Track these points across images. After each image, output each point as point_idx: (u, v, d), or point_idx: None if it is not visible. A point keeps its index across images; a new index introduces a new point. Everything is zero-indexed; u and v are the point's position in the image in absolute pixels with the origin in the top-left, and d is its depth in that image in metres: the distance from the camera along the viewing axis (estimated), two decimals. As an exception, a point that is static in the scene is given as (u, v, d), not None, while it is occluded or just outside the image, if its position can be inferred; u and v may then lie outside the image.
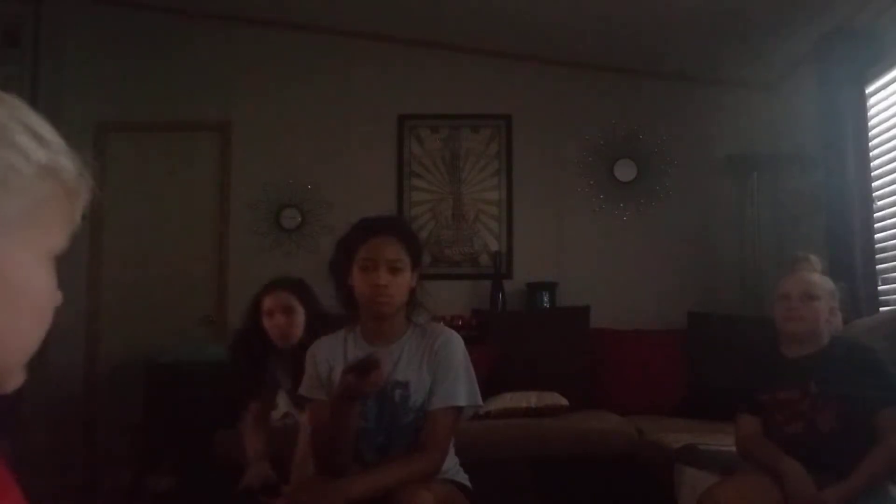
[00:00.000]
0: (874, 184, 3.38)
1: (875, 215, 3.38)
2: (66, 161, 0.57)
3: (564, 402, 3.48)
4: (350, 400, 1.80)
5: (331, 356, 1.96)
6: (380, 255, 1.86)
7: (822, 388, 2.05)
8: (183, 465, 3.33)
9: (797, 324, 2.13)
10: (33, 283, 0.56)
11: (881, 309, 3.23)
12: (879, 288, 3.31)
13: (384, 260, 1.86)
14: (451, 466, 2.00)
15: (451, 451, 2.00)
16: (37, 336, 0.58)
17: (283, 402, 3.38)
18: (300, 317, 2.48)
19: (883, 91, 3.35)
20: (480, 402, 1.99)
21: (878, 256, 3.35)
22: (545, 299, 4.28)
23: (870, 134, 3.40)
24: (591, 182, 4.51)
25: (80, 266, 4.31)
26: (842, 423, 2.01)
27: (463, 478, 2.02)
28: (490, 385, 3.41)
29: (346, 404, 1.80)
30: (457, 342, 1.96)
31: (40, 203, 0.55)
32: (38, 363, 0.57)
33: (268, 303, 2.51)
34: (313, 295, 2.55)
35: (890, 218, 3.31)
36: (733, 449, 2.22)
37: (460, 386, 1.91)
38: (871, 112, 3.41)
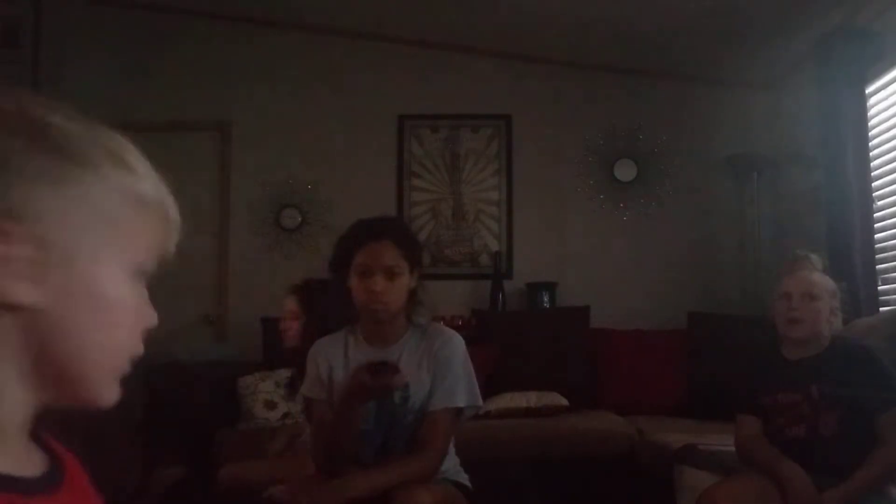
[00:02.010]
0: (874, 184, 3.38)
1: (875, 215, 3.37)
2: (149, 187, 0.62)
3: (564, 402, 3.48)
4: (359, 400, 1.79)
5: (331, 356, 1.96)
6: (376, 261, 1.85)
7: (823, 391, 2.04)
8: (183, 466, 3.33)
9: (799, 327, 2.12)
10: (120, 297, 0.59)
11: (881, 309, 3.23)
12: (879, 288, 3.31)
13: (381, 266, 1.85)
14: (452, 466, 2.00)
15: (452, 450, 2.00)
16: (126, 351, 0.61)
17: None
18: (300, 322, 2.60)
19: (883, 91, 3.35)
20: (480, 402, 1.98)
21: (878, 256, 3.35)
22: (545, 299, 4.28)
23: (870, 134, 3.40)
24: (591, 182, 4.51)
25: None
26: (843, 426, 2.01)
27: (463, 478, 2.02)
28: (490, 385, 3.41)
29: (354, 404, 1.80)
30: (457, 343, 1.95)
31: (123, 223, 0.59)
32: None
33: (285, 307, 2.69)
34: (318, 298, 2.60)
35: (890, 218, 3.32)
36: (733, 449, 2.22)
37: (460, 387, 1.90)
38: (871, 112, 3.41)
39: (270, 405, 3.43)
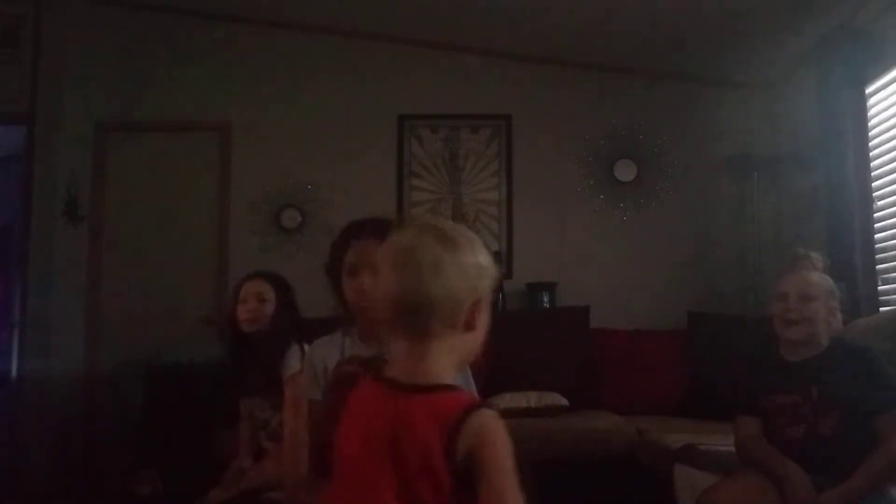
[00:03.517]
0: (874, 184, 3.38)
1: (875, 215, 3.38)
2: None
3: (564, 402, 3.48)
4: (342, 387, 1.79)
5: (327, 357, 1.96)
6: (363, 260, 1.86)
7: (823, 392, 2.04)
8: (172, 470, 3.30)
9: (795, 329, 2.11)
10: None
11: (881, 309, 3.23)
12: (879, 288, 3.31)
13: (366, 263, 1.85)
14: (451, 466, 2.00)
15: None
16: None
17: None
18: (270, 304, 2.52)
19: (883, 91, 3.35)
20: None
21: (878, 256, 3.35)
22: (545, 299, 4.28)
23: (870, 134, 3.40)
24: (591, 182, 4.51)
25: (80, 266, 4.31)
26: (843, 426, 2.00)
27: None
28: (490, 385, 3.41)
29: (337, 393, 1.79)
30: None
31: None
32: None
33: (243, 291, 2.57)
34: (289, 289, 2.60)
35: (890, 218, 3.32)
36: (733, 449, 2.22)
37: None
38: (871, 112, 3.41)
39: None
